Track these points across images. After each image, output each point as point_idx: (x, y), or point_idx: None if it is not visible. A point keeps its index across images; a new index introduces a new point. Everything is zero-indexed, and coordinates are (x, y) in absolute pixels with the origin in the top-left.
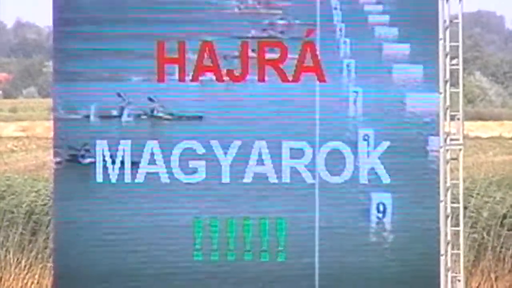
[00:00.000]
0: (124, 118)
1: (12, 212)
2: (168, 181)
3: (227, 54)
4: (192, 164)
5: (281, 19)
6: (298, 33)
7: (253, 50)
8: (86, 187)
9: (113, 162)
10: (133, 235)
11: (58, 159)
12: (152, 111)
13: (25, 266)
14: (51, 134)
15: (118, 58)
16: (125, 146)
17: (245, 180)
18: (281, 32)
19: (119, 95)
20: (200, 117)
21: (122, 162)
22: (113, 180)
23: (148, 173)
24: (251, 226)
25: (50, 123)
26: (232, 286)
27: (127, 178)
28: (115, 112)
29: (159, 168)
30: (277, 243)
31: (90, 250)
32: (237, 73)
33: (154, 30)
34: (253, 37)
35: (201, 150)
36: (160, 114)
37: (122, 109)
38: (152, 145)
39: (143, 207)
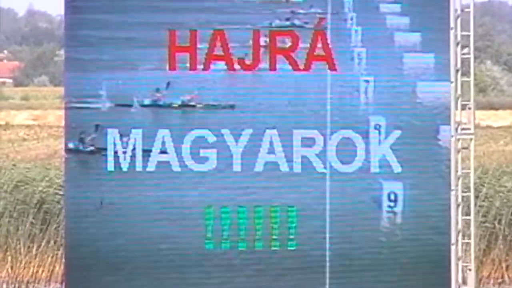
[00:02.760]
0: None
1: (24, 202)
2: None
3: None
4: (203, 152)
5: (301, 8)
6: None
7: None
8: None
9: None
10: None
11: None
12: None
13: (36, 255)
14: (63, 123)
15: (129, 46)
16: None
17: (256, 169)
18: (305, 23)
19: (168, 84)
20: (232, 106)
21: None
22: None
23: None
24: (262, 214)
25: (62, 112)
26: (242, 272)
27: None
28: (147, 102)
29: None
30: (288, 232)
31: (101, 238)
32: (248, 61)
33: (167, 19)
34: (277, 27)
35: (212, 139)
36: (193, 103)
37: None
38: (164, 135)
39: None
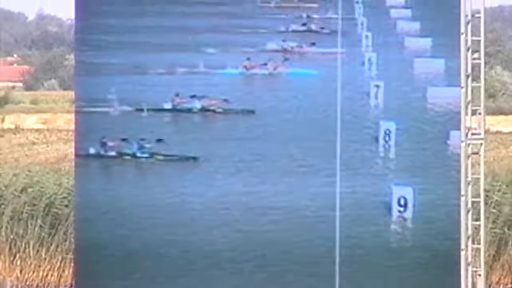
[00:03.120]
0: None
1: (34, 205)
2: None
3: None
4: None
5: (316, 13)
6: (336, 27)
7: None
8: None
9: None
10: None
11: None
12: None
13: (45, 258)
14: (72, 127)
15: (140, 50)
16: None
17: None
18: (322, 28)
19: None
20: (252, 112)
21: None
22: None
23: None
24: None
25: (72, 116)
26: (252, 262)
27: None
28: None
29: None
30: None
31: (111, 230)
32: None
33: (178, 23)
34: (293, 31)
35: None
36: (213, 108)
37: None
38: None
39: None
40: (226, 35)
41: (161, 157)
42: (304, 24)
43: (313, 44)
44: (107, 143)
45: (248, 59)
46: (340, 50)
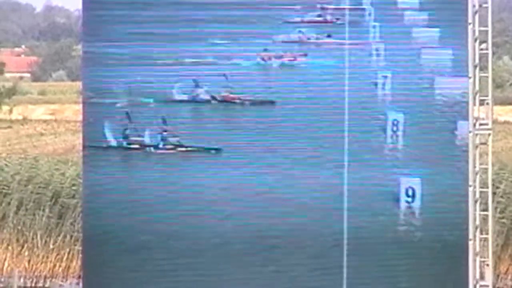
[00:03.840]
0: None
1: (39, 194)
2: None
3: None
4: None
5: (329, 3)
6: (350, 18)
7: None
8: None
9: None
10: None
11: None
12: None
13: (52, 249)
14: (80, 117)
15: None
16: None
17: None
18: (337, 18)
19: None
20: (273, 102)
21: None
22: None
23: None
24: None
25: (80, 106)
26: (261, 251)
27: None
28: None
29: None
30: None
31: (119, 220)
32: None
33: (187, 14)
34: (309, 22)
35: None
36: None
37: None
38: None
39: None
40: (240, 25)
41: (183, 149)
42: (319, 15)
43: (329, 35)
44: (129, 135)
45: (265, 49)
46: (354, 41)
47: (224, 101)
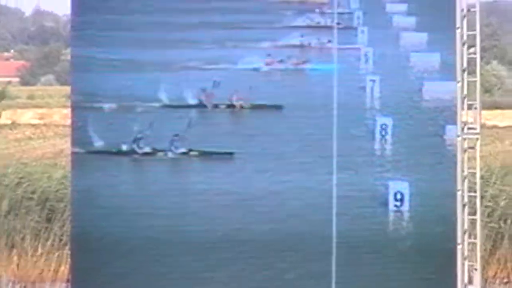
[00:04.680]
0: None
1: (30, 199)
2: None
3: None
4: None
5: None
6: (351, 22)
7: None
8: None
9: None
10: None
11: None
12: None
13: (41, 254)
14: (69, 122)
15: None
16: None
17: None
18: (338, 23)
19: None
20: (280, 107)
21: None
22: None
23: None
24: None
25: (68, 111)
26: (249, 253)
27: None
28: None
29: None
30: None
31: (108, 218)
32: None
33: (176, 19)
34: (308, 26)
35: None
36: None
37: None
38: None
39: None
40: (237, 30)
41: (196, 153)
42: (318, 20)
43: (330, 40)
44: (141, 139)
45: (269, 55)
46: (343, 46)
47: (234, 106)
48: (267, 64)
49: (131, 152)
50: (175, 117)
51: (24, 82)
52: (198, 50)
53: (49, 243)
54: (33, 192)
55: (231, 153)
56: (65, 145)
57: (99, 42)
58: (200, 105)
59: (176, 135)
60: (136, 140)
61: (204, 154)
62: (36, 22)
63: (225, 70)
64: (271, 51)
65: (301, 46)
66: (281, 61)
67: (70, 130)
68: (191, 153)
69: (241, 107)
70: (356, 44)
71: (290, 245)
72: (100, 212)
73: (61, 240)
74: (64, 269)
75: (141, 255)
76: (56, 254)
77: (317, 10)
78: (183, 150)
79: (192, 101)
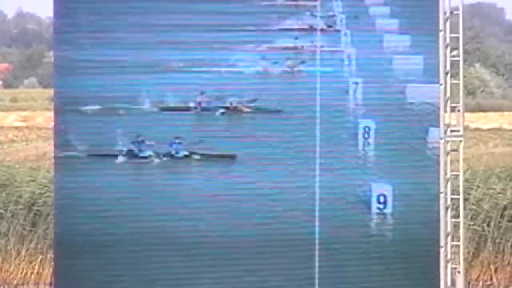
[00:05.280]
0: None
1: (16, 203)
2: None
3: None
4: None
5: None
6: (341, 25)
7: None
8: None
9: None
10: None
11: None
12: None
13: (25, 256)
14: (52, 125)
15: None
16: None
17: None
18: (329, 26)
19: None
20: (279, 111)
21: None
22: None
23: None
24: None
25: (51, 114)
26: (231, 254)
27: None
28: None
29: None
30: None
31: (92, 222)
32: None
33: (159, 21)
34: (301, 29)
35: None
36: (240, 107)
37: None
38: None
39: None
40: (230, 33)
41: (198, 157)
42: (310, 23)
43: (323, 42)
44: (142, 142)
45: (263, 58)
46: (326, 48)
47: (233, 109)
48: (262, 66)
49: (127, 154)
50: (159, 119)
51: (7, 85)
52: (183, 52)
53: (32, 246)
54: (19, 196)
55: (232, 156)
56: (48, 148)
57: (82, 44)
58: (188, 108)
59: (178, 137)
60: (135, 143)
61: (189, 157)
62: (18, 24)
63: (215, 73)
64: (264, 54)
65: (296, 48)
66: (275, 63)
67: (53, 133)
68: (193, 156)
69: (234, 108)
70: (339, 46)
71: (273, 248)
72: (83, 215)
73: (44, 243)
74: (48, 272)
75: (126, 259)
76: (40, 257)
77: (307, 13)
78: (174, 153)
79: (179, 104)
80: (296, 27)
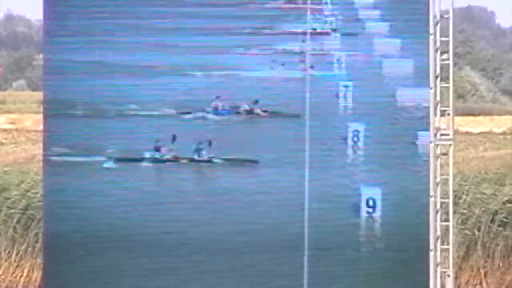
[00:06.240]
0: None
1: (9, 207)
2: None
3: None
4: None
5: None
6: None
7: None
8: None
9: None
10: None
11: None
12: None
13: (15, 260)
14: (40, 127)
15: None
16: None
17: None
18: (334, 30)
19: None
20: (298, 115)
21: None
22: None
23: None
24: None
25: (40, 116)
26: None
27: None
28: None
29: None
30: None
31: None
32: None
33: (150, 24)
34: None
35: None
36: (258, 111)
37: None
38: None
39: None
40: (234, 36)
41: (219, 161)
42: (314, 27)
43: (331, 45)
44: (161, 147)
45: (273, 61)
46: (316, 52)
47: (251, 113)
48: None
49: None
50: (148, 124)
51: None
52: (177, 55)
53: (22, 249)
54: (8, 198)
55: (255, 161)
56: (37, 150)
57: (71, 47)
58: (181, 113)
59: (201, 142)
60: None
61: (183, 159)
62: (7, 27)
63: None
64: (273, 57)
65: (303, 52)
66: (282, 65)
67: (42, 136)
68: (165, 158)
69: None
70: (330, 49)
71: (262, 249)
72: (72, 218)
73: (34, 247)
74: (37, 275)
75: (113, 260)
76: (30, 260)
77: (297, 17)
78: (165, 155)
79: (166, 108)
80: (286, 31)
